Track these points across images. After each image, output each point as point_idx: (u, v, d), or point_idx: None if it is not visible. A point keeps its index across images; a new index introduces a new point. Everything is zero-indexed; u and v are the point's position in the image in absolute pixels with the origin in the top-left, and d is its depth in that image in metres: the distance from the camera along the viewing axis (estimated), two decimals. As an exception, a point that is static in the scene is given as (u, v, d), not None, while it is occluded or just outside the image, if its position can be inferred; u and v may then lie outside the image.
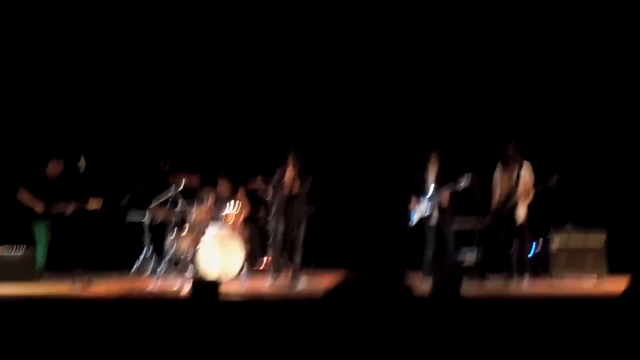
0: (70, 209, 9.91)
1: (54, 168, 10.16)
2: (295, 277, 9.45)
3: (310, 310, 1.43)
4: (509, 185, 9.57)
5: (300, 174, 9.46)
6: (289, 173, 9.39)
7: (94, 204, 9.89)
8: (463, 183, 9.38)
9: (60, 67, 11.56)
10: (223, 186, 10.67)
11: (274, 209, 9.77)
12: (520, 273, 9.46)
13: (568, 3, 11.32)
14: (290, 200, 9.47)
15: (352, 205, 11.50)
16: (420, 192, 9.70)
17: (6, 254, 9.84)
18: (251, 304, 7.88)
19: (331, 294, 1.43)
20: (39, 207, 9.89)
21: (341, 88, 11.90)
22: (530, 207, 9.56)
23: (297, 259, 9.54)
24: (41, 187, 10.03)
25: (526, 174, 9.53)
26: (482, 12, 11.49)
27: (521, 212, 9.52)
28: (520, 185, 9.49)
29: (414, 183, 9.79)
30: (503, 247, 9.63)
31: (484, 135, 11.04)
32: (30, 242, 9.98)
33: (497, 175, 9.69)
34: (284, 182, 9.45)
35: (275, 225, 9.67)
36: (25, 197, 9.94)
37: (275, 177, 9.73)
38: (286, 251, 9.60)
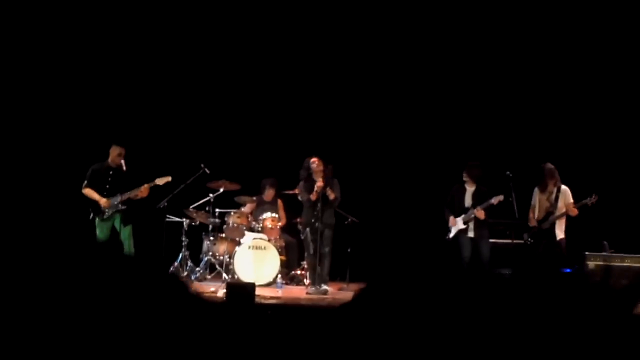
0: (140, 193, 9.38)
1: (115, 155, 9.46)
2: (318, 285, 9.44)
3: (336, 316, 1.46)
4: (547, 204, 9.48)
5: (331, 185, 9.48)
6: (320, 185, 9.40)
7: (163, 180, 9.51)
8: (495, 200, 9.37)
9: (103, 65, 11.70)
10: (268, 192, 10.77)
11: (302, 218, 9.83)
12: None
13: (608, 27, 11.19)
14: (315, 207, 9.48)
15: (390, 219, 11.44)
16: (458, 206, 9.66)
17: None
18: (285, 308, 7.92)
19: (356, 302, 1.46)
20: (103, 202, 9.36)
21: (382, 101, 11.90)
22: (568, 230, 9.47)
23: (324, 268, 9.54)
24: (103, 179, 9.48)
25: (565, 196, 9.42)
26: (523, 30, 11.41)
27: (559, 231, 9.42)
28: (560, 204, 9.39)
29: (451, 196, 9.76)
30: (539, 264, 9.53)
31: (522, 151, 10.93)
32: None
33: (535, 195, 9.60)
34: (314, 192, 9.46)
35: (305, 235, 9.72)
36: (89, 192, 9.46)
37: (301, 186, 9.78)
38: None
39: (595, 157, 11.09)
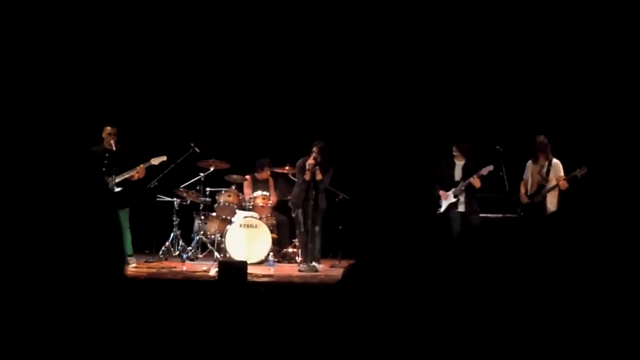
0: (136, 174, 9.30)
1: (105, 135, 9.40)
2: (309, 263, 9.48)
3: (328, 294, 1.47)
4: (539, 177, 9.52)
5: (322, 165, 9.48)
6: (310, 161, 9.40)
7: (158, 160, 9.50)
8: (485, 171, 9.42)
9: (93, 46, 11.64)
10: (265, 172, 10.78)
11: (293, 197, 9.85)
12: None
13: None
14: (309, 189, 9.50)
15: (379, 195, 11.47)
16: (447, 180, 9.70)
17: None
18: (277, 286, 7.96)
19: (347, 279, 1.46)
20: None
21: (370, 78, 11.89)
22: (562, 202, 9.51)
23: (315, 245, 9.57)
24: (99, 161, 9.20)
25: (557, 169, 9.47)
26: (512, 4, 11.41)
27: (551, 204, 9.48)
28: (551, 177, 9.43)
29: (440, 170, 9.79)
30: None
31: (512, 126, 10.96)
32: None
33: (528, 169, 9.64)
34: (306, 172, 9.47)
35: (295, 214, 9.75)
36: None
37: (298, 165, 9.79)
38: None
39: (586, 130, 11.11)
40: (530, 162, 9.61)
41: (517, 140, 9.97)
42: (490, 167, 9.45)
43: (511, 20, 11.46)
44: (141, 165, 9.35)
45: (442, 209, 9.72)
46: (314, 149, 9.44)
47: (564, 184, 9.32)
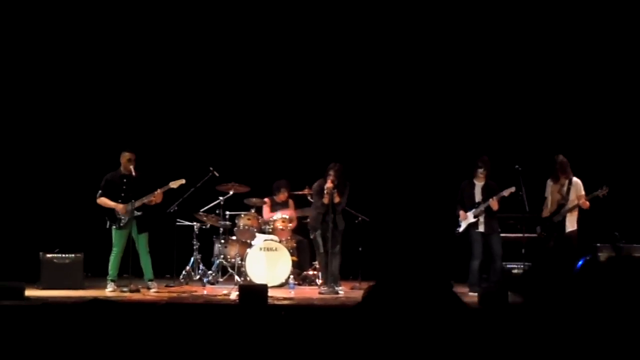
0: (154, 198, 9.36)
1: (125, 161, 9.44)
2: (330, 285, 9.44)
3: (349, 316, 1.47)
4: (559, 196, 9.46)
5: (339, 187, 9.48)
6: (328, 184, 9.40)
7: (177, 183, 9.49)
8: (507, 192, 9.40)
9: (109, 71, 11.74)
10: (283, 194, 10.81)
11: (311, 220, 9.84)
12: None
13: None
14: (327, 211, 9.49)
15: (398, 217, 11.42)
16: (468, 201, 9.67)
17: (56, 259, 9.57)
18: (298, 309, 7.93)
19: (367, 301, 1.47)
20: (120, 208, 9.32)
21: (391, 99, 11.90)
22: (580, 221, 9.45)
23: (334, 268, 9.54)
24: (117, 187, 9.45)
25: (577, 188, 9.41)
26: (531, 24, 11.41)
27: (570, 224, 9.42)
28: (571, 196, 9.37)
29: (461, 192, 9.77)
30: (551, 257, 9.53)
31: (531, 146, 10.93)
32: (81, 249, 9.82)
33: (548, 187, 9.59)
34: (324, 194, 9.46)
35: (314, 236, 9.74)
36: (103, 201, 9.41)
37: (314, 189, 9.79)
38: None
39: (605, 149, 11.06)
40: (549, 181, 9.56)
41: (535, 159, 9.95)
42: (512, 189, 9.43)
43: (530, 42, 11.46)
44: (158, 190, 9.39)
45: (461, 229, 9.69)
46: (331, 172, 9.43)
47: (585, 204, 9.27)
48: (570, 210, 9.37)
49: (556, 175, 9.45)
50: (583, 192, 9.37)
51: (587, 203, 9.27)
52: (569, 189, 9.42)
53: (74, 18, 11.47)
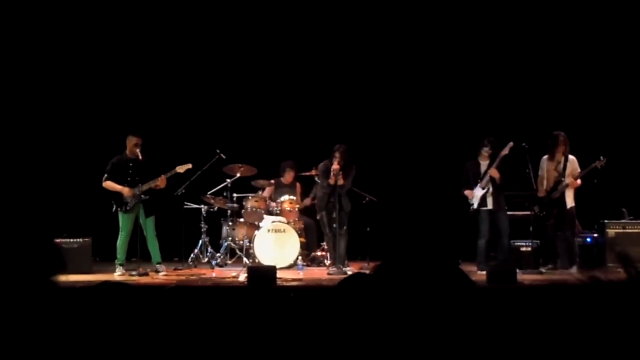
0: (159, 183, 9.34)
1: (131, 145, 9.42)
2: (338, 265, 9.45)
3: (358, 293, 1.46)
4: (555, 173, 9.47)
5: (345, 168, 9.48)
6: (334, 166, 9.39)
7: (183, 168, 9.51)
8: (507, 149, 9.34)
9: (114, 55, 11.74)
10: (288, 175, 10.82)
11: (318, 200, 9.85)
12: (570, 259, 9.35)
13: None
14: (332, 192, 9.49)
15: (406, 197, 11.41)
16: (474, 180, 9.64)
17: (64, 244, 9.46)
18: (306, 290, 7.94)
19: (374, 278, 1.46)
20: (126, 191, 9.33)
21: (397, 78, 11.87)
22: (580, 197, 9.46)
23: (341, 249, 9.56)
24: (124, 171, 9.46)
25: (573, 166, 9.42)
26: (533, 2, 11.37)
27: (569, 200, 9.43)
28: (567, 173, 9.39)
29: (466, 172, 9.73)
30: (551, 235, 9.56)
31: (533, 124, 10.89)
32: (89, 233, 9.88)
33: (543, 164, 9.59)
34: (330, 175, 9.46)
35: (320, 216, 9.75)
36: (109, 184, 9.40)
37: (320, 169, 9.78)
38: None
39: (611, 125, 11.03)
40: (544, 158, 9.57)
41: (534, 136, 9.92)
42: (510, 144, 9.34)
43: (531, 23, 11.40)
44: (162, 176, 9.39)
45: (475, 206, 9.58)
46: (337, 153, 9.42)
47: (574, 184, 9.30)
48: (567, 186, 9.38)
49: (553, 151, 9.46)
50: (579, 170, 9.38)
51: (577, 183, 9.31)
52: (565, 166, 9.43)
53: (80, 5, 11.45)
